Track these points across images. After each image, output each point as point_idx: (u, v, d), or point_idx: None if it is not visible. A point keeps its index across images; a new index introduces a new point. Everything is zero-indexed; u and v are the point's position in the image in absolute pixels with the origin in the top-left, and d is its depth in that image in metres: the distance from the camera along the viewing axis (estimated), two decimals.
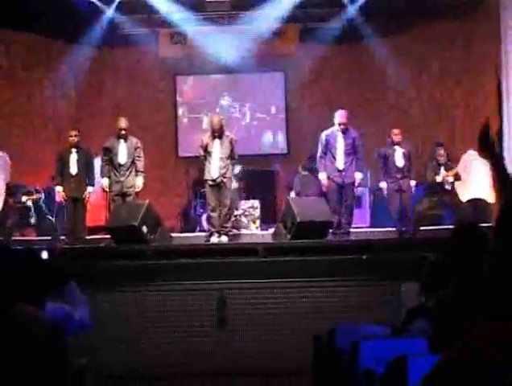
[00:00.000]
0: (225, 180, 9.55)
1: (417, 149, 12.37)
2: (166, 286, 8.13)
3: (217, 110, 14.12)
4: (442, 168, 10.66)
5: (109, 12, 13.00)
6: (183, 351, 7.93)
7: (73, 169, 9.95)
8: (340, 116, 9.80)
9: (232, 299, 8.02)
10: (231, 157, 9.66)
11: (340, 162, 9.71)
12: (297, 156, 13.87)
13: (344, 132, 9.74)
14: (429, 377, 2.01)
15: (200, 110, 14.76)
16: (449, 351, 1.97)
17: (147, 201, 9.46)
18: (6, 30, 12.90)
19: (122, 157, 9.88)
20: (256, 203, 11.90)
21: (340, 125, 9.73)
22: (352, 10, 13.08)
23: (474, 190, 11.26)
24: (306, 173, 11.70)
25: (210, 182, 9.60)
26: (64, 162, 10.01)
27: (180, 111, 14.85)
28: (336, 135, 9.76)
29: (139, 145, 10.01)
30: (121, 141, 9.91)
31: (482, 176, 11.64)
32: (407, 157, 10.11)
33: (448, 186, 10.67)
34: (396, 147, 10.09)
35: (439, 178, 10.67)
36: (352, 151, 9.76)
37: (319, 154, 9.86)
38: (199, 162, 10.01)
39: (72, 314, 3.60)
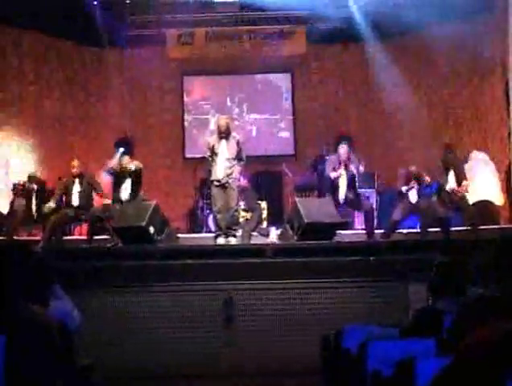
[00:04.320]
0: (230, 181, 9.49)
1: (425, 150, 12.37)
2: (172, 287, 8.12)
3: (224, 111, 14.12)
4: (451, 172, 10.22)
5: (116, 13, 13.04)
6: (190, 352, 7.91)
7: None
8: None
9: (239, 300, 7.99)
10: (238, 158, 9.61)
11: None
12: (304, 157, 13.87)
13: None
14: (438, 379, 1.99)
15: (206, 111, 14.76)
16: (458, 352, 1.95)
17: (154, 202, 9.46)
18: (14, 28, 12.92)
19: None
20: (263, 204, 11.91)
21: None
22: (358, 11, 13.09)
23: (480, 192, 11.21)
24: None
25: (216, 183, 9.55)
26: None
27: (187, 111, 14.85)
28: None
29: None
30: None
31: (487, 178, 11.63)
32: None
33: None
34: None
35: (448, 186, 10.18)
36: None
37: None
38: (205, 162, 9.99)
39: (72, 312, 3.62)
